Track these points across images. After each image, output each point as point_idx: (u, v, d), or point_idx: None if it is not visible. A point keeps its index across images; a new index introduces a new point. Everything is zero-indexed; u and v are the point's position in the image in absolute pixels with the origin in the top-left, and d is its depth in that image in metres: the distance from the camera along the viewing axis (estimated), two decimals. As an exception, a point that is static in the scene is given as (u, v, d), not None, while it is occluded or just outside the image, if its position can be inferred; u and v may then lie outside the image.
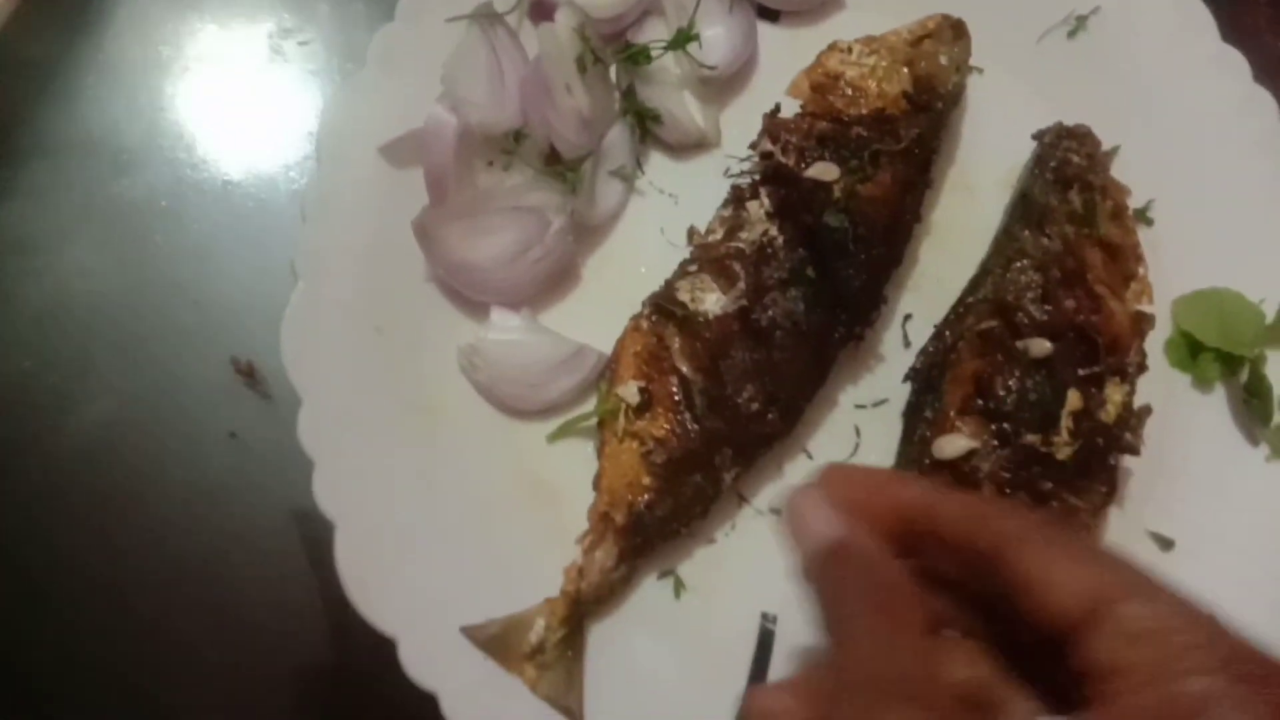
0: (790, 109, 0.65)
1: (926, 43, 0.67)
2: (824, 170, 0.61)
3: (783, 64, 0.68)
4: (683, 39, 0.67)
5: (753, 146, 0.65)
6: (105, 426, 0.66)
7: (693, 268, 0.62)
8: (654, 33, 0.69)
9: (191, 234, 0.70)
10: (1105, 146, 0.68)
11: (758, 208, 0.63)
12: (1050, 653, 0.38)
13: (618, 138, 0.67)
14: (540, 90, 0.63)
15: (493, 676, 0.56)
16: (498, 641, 0.57)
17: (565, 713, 0.56)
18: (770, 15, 0.72)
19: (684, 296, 0.61)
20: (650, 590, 0.61)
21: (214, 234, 0.70)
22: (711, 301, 0.61)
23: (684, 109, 0.68)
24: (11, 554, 0.64)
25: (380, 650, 0.55)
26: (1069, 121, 0.68)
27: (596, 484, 0.60)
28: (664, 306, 0.61)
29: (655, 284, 0.63)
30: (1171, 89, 0.70)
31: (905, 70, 0.65)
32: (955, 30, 0.67)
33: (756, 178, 0.64)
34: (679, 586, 0.61)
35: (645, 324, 0.61)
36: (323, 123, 0.64)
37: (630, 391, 0.59)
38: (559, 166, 0.65)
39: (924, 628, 0.40)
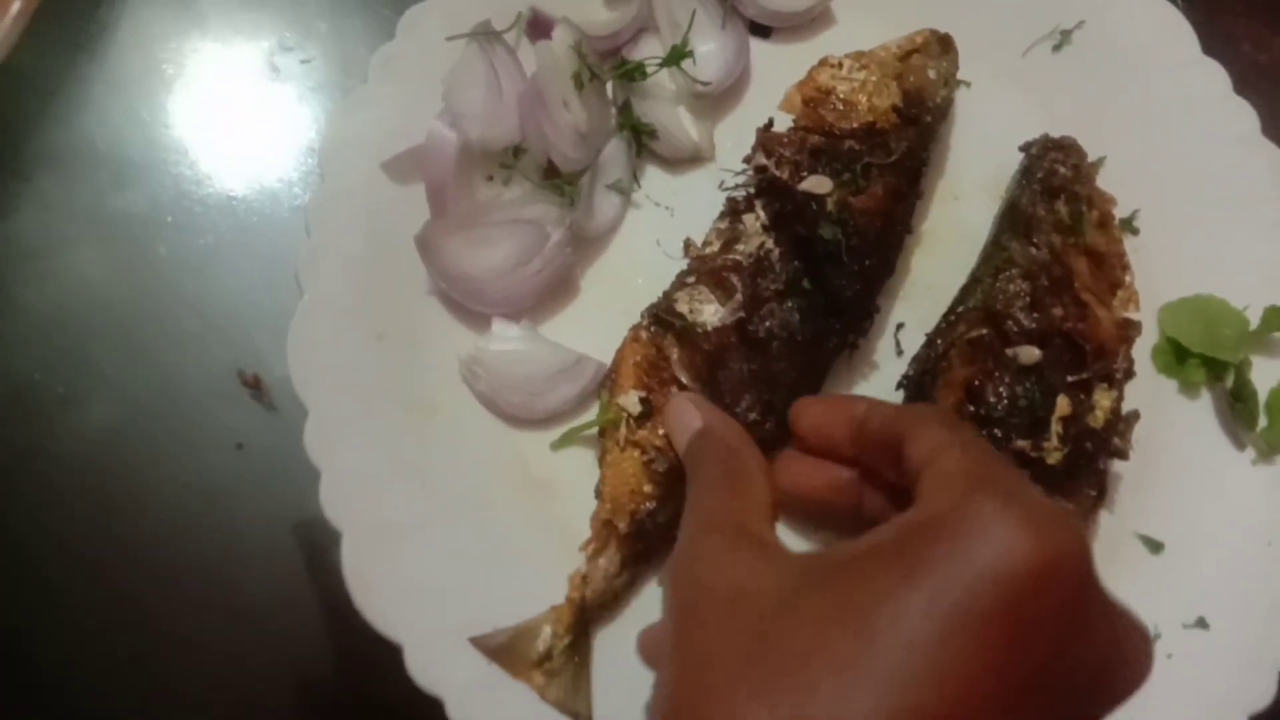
0: (782, 123, 0.66)
1: (915, 57, 0.68)
2: (817, 183, 0.62)
3: (775, 79, 0.69)
4: (677, 56, 0.68)
5: (747, 160, 0.65)
6: (111, 434, 0.66)
7: (690, 279, 0.63)
8: (649, 50, 0.70)
9: (195, 246, 0.70)
10: (1091, 157, 0.69)
11: (754, 220, 0.64)
12: None
13: (614, 152, 0.68)
14: (538, 106, 0.64)
15: (497, 681, 0.56)
16: (505, 650, 0.57)
17: (574, 717, 0.57)
18: (762, 31, 0.74)
19: (682, 308, 0.62)
20: (655, 594, 0.61)
21: (217, 246, 0.71)
22: (710, 313, 0.62)
23: (679, 124, 0.69)
24: (19, 559, 0.65)
25: (384, 656, 0.56)
26: (1055, 133, 0.69)
27: (599, 492, 0.61)
28: (663, 318, 0.62)
29: (652, 295, 0.64)
30: (1154, 100, 0.72)
31: (894, 84, 0.66)
32: (943, 44, 0.69)
33: (751, 191, 0.65)
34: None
35: (645, 334, 0.62)
36: (325, 138, 0.65)
37: (631, 401, 0.60)
38: (557, 180, 0.66)
39: (760, 488, 0.52)
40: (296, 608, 0.64)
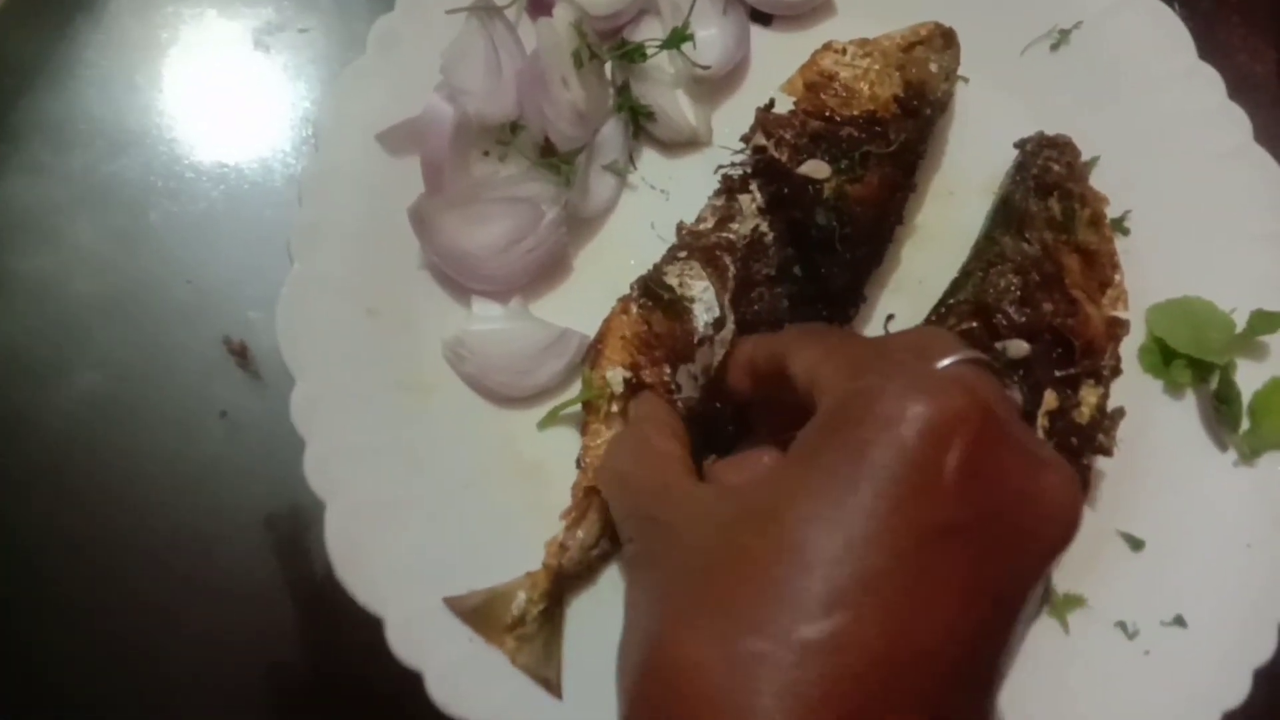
0: (782, 106, 0.65)
1: (918, 49, 0.68)
2: (816, 168, 0.62)
3: (774, 66, 0.69)
4: (678, 38, 0.68)
5: (745, 139, 0.65)
6: (96, 400, 0.66)
7: (682, 254, 0.63)
8: (650, 32, 0.70)
9: (187, 214, 0.70)
10: (1085, 157, 0.69)
11: (750, 202, 0.63)
12: None
13: (611, 133, 0.68)
14: (537, 83, 0.64)
15: (478, 656, 0.56)
16: (479, 613, 0.57)
17: (543, 684, 0.57)
18: (763, 19, 0.74)
19: (672, 280, 0.62)
20: None
21: (210, 215, 0.70)
22: (699, 290, 0.61)
23: (677, 107, 0.69)
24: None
25: (366, 631, 0.56)
26: (1050, 131, 0.70)
27: (580, 462, 0.60)
28: (653, 289, 0.61)
29: None
30: (1149, 103, 0.72)
31: (897, 74, 0.66)
32: (946, 38, 0.69)
33: (748, 170, 0.65)
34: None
35: (634, 307, 0.61)
36: (321, 108, 0.65)
37: (616, 379, 0.60)
38: (553, 159, 0.66)
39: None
40: (278, 579, 0.64)
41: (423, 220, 0.61)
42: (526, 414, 0.64)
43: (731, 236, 0.63)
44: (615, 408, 0.60)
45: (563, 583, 0.59)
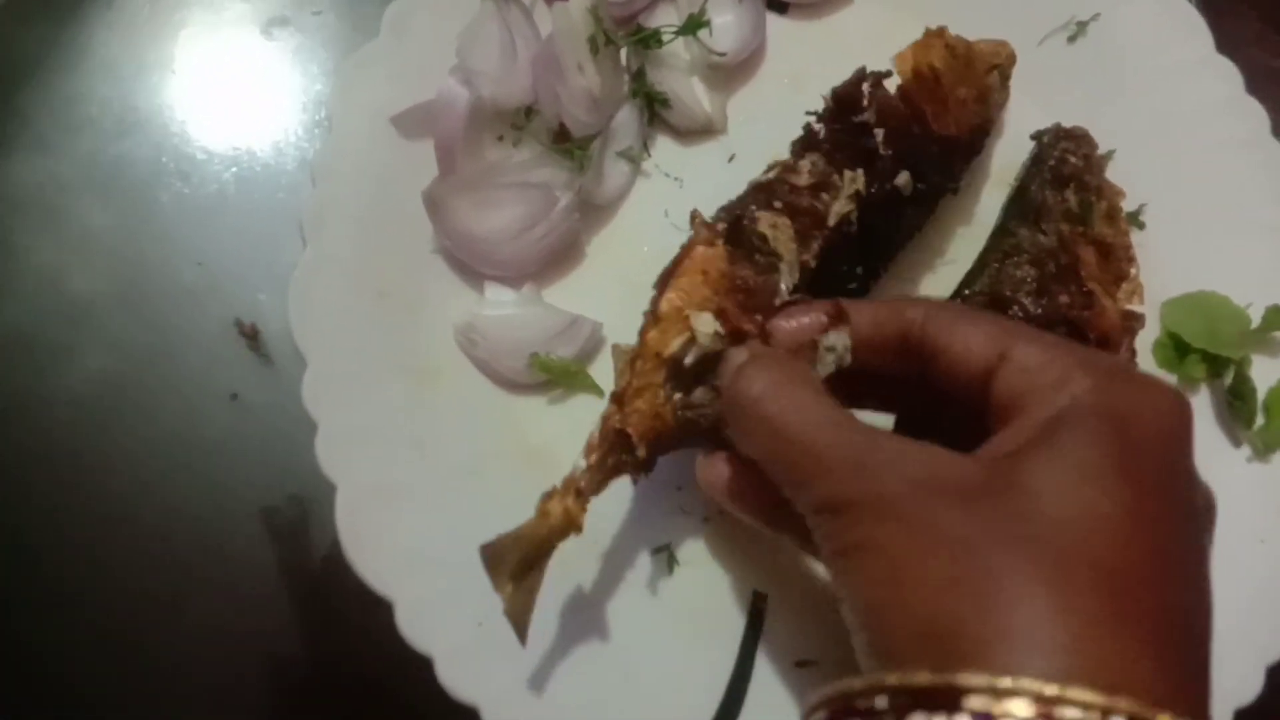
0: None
1: (994, 74, 0.66)
2: (905, 183, 0.60)
3: (789, 54, 0.69)
4: (694, 25, 0.68)
5: (839, 102, 0.59)
6: (106, 380, 0.66)
7: (778, 204, 0.57)
8: (665, 18, 0.70)
9: (198, 196, 0.70)
10: (1102, 150, 0.69)
11: (851, 183, 0.59)
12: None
13: (626, 119, 0.67)
14: (552, 68, 0.63)
15: (486, 639, 0.56)
16: (507, 551, 0.51)
17: (519, 632, 0.52)
18: (779, 6, 0.73)
19: (765, 230, 0.55)
20: (643, 565, 0.61)
21: (221, 197, 0.70)
22: (790, 253, 0.55)
23: (692, 94, 0.69)
24: (3, 509, 0.64)
25: (371, 613, 0.56)
26: (1067, 123, 0.69)
27: (616, 395, 0.53)
28: (745, 235, 0.54)
29: (659, 264, 0.60)
30: (1167, 96, 0.72)
31: (981, 105, 0.64)
32: (1010, 61, 0.68)
33: (829, 145, 0.60)
34: (672, 561, 0.61)
35: (722, 246, 0.53)
36: (334, 91, 0.65)
37: (706, 325, 0.50)
38: (568, 145, 0.66)
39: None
40: (284, 561, 0.64)
41: (436, 204, 0.61)
42: (535, 400, 0.64)
43: (821, 208, 0.57)
44: (690, 358, 0.51)
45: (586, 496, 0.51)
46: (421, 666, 0.55)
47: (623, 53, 0.68)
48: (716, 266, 0.53)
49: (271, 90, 0.73)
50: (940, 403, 0.49)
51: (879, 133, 0.59)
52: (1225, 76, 0.71)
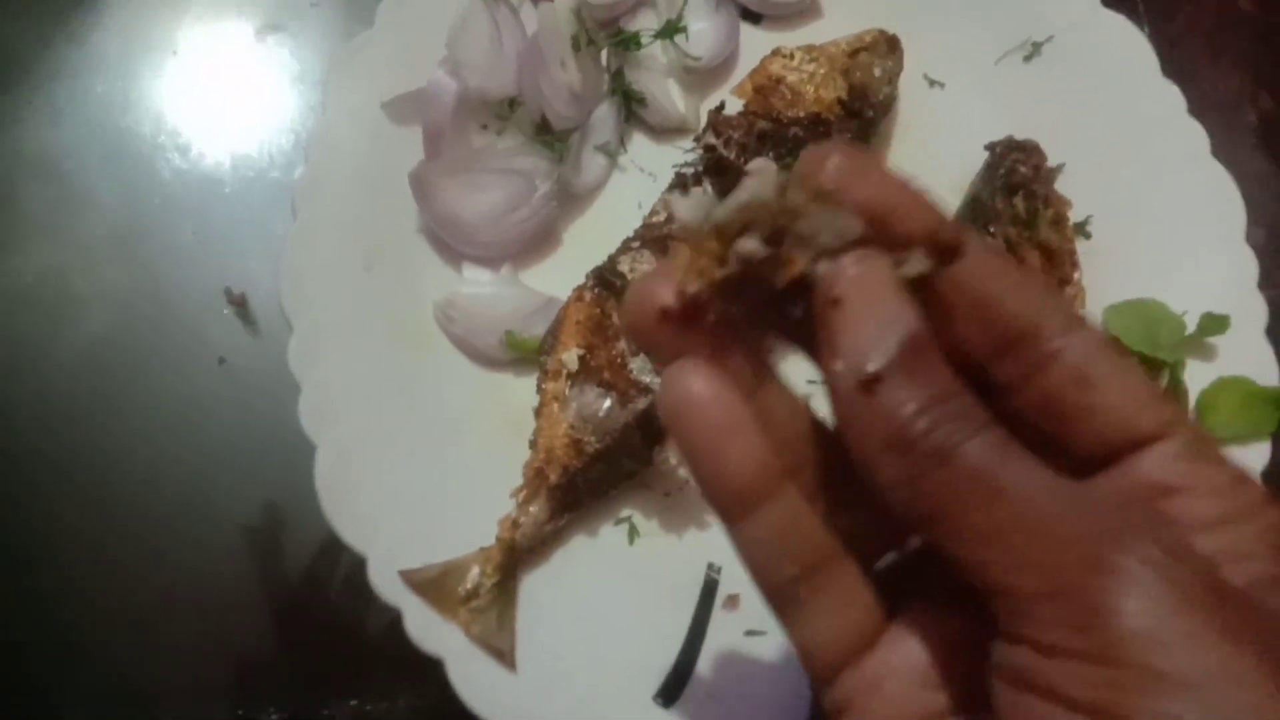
0: (733, 108, 0.69)
1: (862, 54, 0.72)
2: (762, 166, 0.65)
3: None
4: (671, 29, 0.72)
5: (697, 139, 0.69)
6: (100, 344, 0.69)
7: (635, 244, 0.66)
8: (645, 22, 0.74)
9: (197, 169, 0.73)
10: (1052, 163, 0.73)
11: (700, 195, 0.66)
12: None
13: (605, 115, 0.71)
14: (536, 63, 0.67)
15: (453, 594, 0.59)
16: (433, 585, 0.59)
17: (497, 655, 0.59)
18: (753, 17, 0.77)
19: (624, 268, 0.65)
20: (583, 540, 0.64)
21: (218, 170, 0.73)
22: None
23: (668, 95, 0.72)
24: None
25: (355, 570, 0.59)
26: (1019, 136, 0.73)
27: (533, 442, 0.63)
28: (606, 277, 0.65)
29: None
30: (1114, 115, 0.75)
31: (841, 78, 0.70)
32: (890, 45, 0.73)
33: (699, 168, 0.68)
34: (634, 532, 0.65)
35: (588, 295, 0.64)
36: (329, 75, 0.68)
37: (570, 358, 0.62)
38: (548, 136, 0.69)
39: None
40: (268, 521, 0.66)
41: (422, 185, 0.65)
42: (506, 375, 0.67)
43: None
44: (569, 388, 0.62)
45: (516, 557, 0.61)
46: (396, 622, 0.58)
47: (603, 53, 0.72)
48: (585, 313, 0.63)
49: (270, 76, 0.77)
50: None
51: (720, 142, 0.66)
52: (1169, 98, 0.75)
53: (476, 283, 0.66)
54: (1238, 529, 0.31)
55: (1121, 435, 0.33)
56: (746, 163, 0.66)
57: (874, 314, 0.30)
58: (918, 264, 0.31)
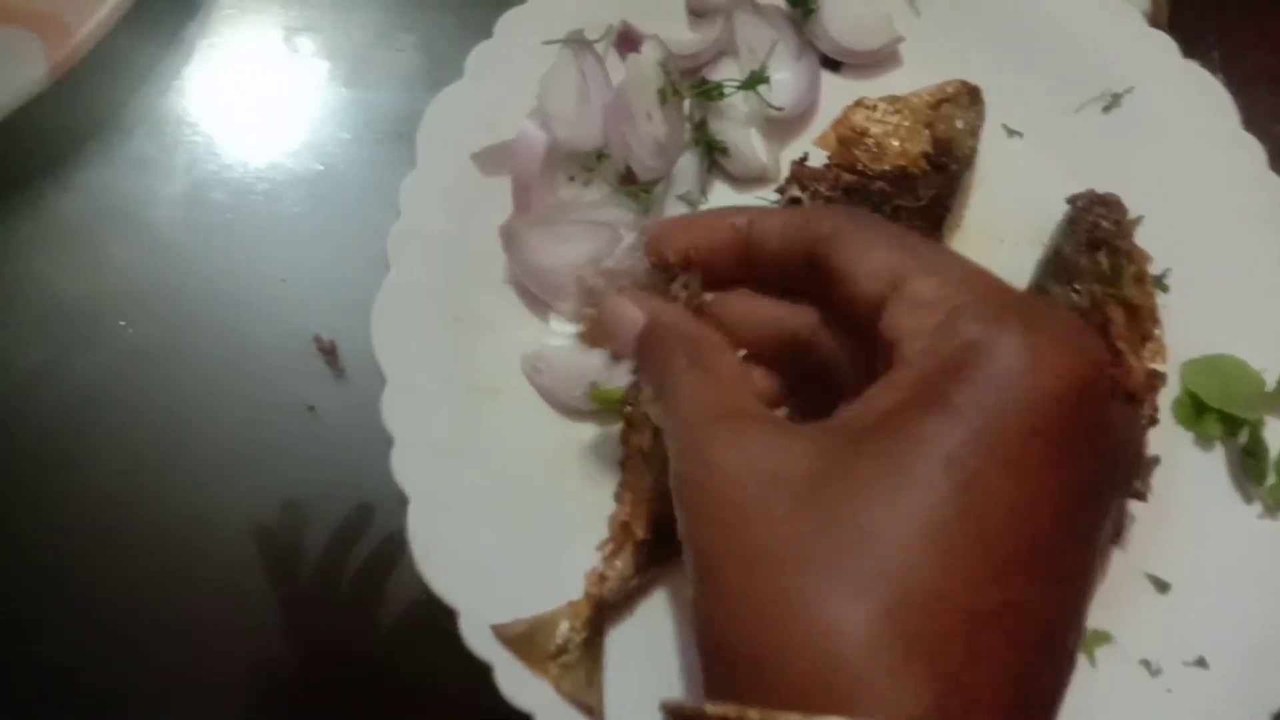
0: (816, 159, 0.70)
1: (945, 106, 0.71)
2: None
3: (840, 110, 0.73)
4: (755, 80, 0.72)
5: (779, 190, 0.69)
6: (187, 389, 0.70)
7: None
8: (726, 72, 0.74)
9: (283, 214, 0.74)
10: (1131, 215, 0.73)
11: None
12: None
13: (687, 165, 0.71)
14: (623, 115, 0.67)
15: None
16: (523, 640, 0.59)
17: (586, 710, 0.59)
18: (832, 65, 0.77)
19: None
20: (667, 593, 0.64)
21: (304, 215, 0.74)
22: None
23: (749, 144, 0.72)
24: (84, 511, 0.68)
25: (431, 623, 0.60)
26: (1099, 188, 0.73)
27: (618, 495, 0.64)
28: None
29: None
30: (1194, 167, 0.75)
31: (926, 131, 0.70)
32: (972, 95, 0.72)
33: None
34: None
35: None
36: (421, 127, 0.68)
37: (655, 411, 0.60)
38: (633, 187, 0.69)
39: (734, 367, 0.46)
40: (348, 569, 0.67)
41: (512, 237, 0.65)
42: (595, 427, 0.67)
43: None
44: (653, 441, 0.61)
45: (604, 611, 0.61)
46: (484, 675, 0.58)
47: (686, 103, 0.72)
48: None
49: (356, 120, 0.77)
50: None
51: (805, 195, 0.66)
52: (1250, 151, 0.75)
53: (563, 335, 0.66)
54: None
55: (862, 305, 0.42)
56: None
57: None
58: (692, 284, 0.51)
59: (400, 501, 0.61)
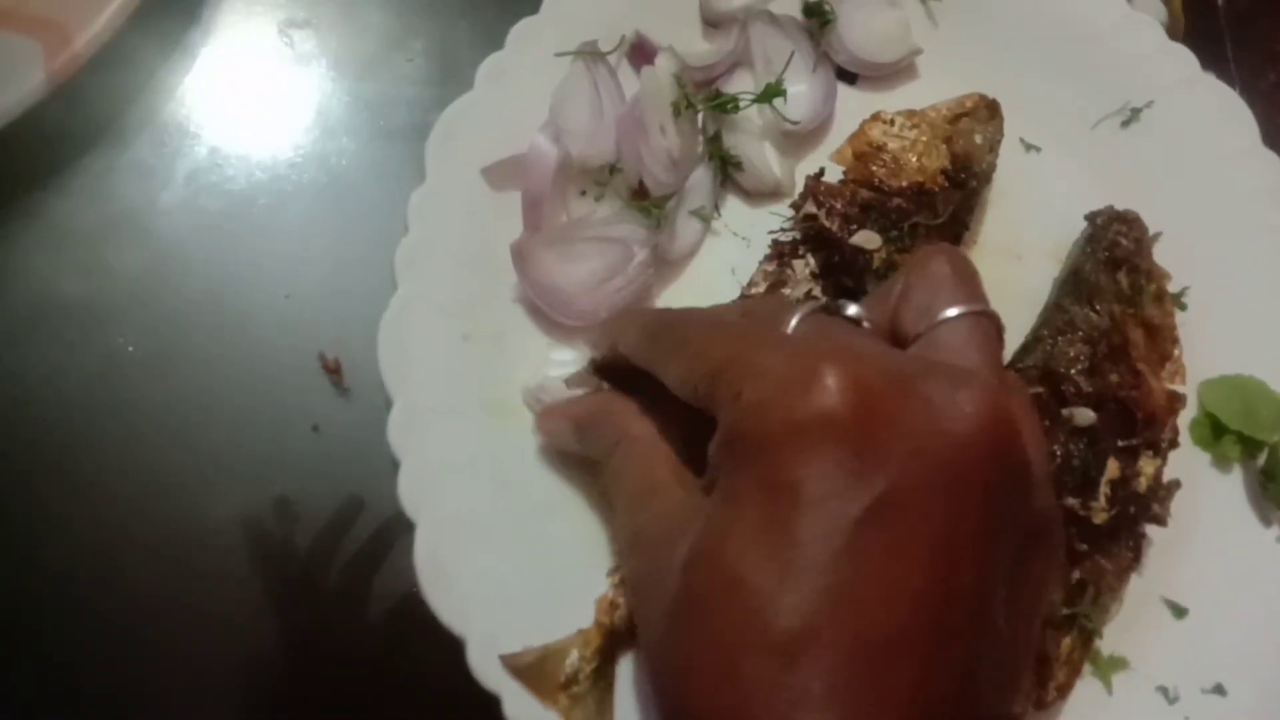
0: (831, 174, 0.68)
1: (964, 120, 0.70)
2: (867, 239, 0.64)
3: (856, 123, 0.71)
4: (771, 93, 0.70)
5: (794, 207, 0.68)
6: (191, 406, 0.68)
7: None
8: (740, 84, 0.73)
9: (287, 229, 0.72)
10: (1149, 232, 0.72)
11: (803, 267, 0.66)
12: None
13: (700, 180, 0.70)
14: (637, 129, 0.66)
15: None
16: (533, 670, 0.58)
17: None
18: (848, 77, 0.76)
19: None
20: None
21: (309, 230, 0.72)
22: None
23: (764, 158, 0.71)
24: (91, 522, 0.66)
25: (438, 648, 0.58)
26: (1117, 205, 0.72)
27: None
28: None
29: None
30: (1213, 184, 0.74)
31: (944, 146, 0.69)
32: (990, 110, 0.71)
33: (798, 237, 0.67)
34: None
35: None
36: (430, 140, 0.67)
37: None
38: (645, 202, 0.68)
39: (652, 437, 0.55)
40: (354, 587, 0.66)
41: (523, 255, 0.64)
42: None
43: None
44: None
45: (615, 640, 0.59)
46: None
47: (699, 116, 0.71)
48: None
49: (363, 132, 0.76)
50: None
51: (821, 212, 0.65)
52: (1270, 167, 0.74)
53: (565, 364, 0.65)
54: None
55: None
56: (848, 233, 0.65)
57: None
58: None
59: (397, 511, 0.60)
